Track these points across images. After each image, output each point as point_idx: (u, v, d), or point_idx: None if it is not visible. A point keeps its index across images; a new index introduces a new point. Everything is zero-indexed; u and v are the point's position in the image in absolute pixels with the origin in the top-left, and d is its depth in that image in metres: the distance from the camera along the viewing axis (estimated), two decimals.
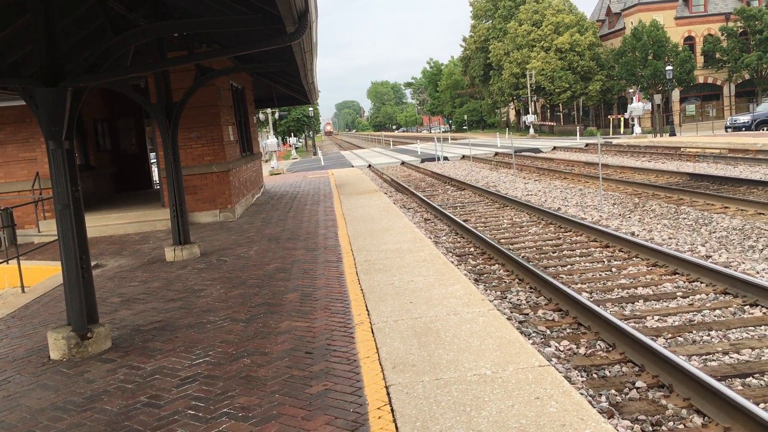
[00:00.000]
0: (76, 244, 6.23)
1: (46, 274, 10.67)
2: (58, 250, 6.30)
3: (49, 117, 6.04)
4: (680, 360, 5.51)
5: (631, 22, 57.96)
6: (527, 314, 7.84)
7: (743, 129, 39.90)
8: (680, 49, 54.32)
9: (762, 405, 4.98)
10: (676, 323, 7.14)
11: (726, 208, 13.76)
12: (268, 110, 44.19)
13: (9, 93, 10.58)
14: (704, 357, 6.14)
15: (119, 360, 5.88)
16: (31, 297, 9.05)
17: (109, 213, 15.16)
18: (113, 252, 12.14)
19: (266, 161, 39.78)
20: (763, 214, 12.67)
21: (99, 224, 14.41)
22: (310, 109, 68.62)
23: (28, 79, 6.15)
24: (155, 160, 18.82)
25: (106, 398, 4.98)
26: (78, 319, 6.18)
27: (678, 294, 8.08)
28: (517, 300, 8.49)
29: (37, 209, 14.73)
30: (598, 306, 7.45)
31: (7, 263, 10.51)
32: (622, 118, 52.98)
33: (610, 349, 6.51)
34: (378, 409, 4.28)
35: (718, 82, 58.64)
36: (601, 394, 5.49)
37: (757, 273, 8.73)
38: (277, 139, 48.94)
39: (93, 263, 9.48)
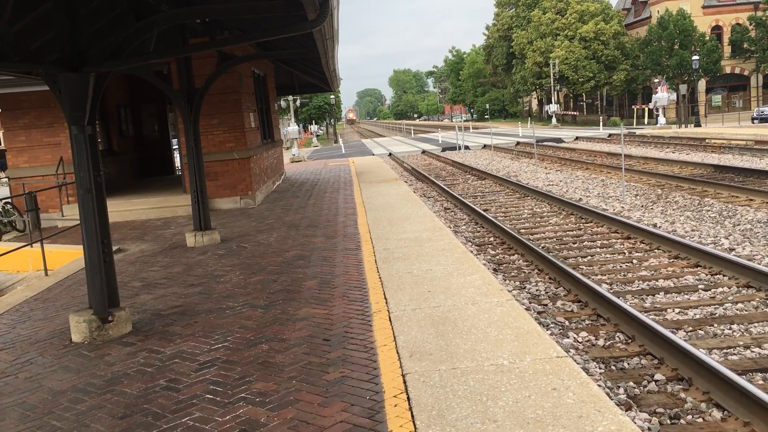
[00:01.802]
0: (98, 229, 6.29)
1: (69, 257, 10.81)
2: (80, 234, 6.37)
3: (72, 102, 6.09)
4: (700, 353, 5.45)
5: (658, 11, 57.08)
6: (546, 305, 7.79)
7: None
8: (707, 38, 53.43)
9: None
10: (697, 316, 7.06)
11: (751, 200, 13.55)
12: (290, 97, 44.20)
13: (33, 78, 10.68)
14: (725, 351, 6.07)
15: (139, 343, 5.95)
16: (54, 280, 9.17)
17: (131, 198, 15.31)
18: (135, 237, 12.26)
19: (287, 149, 39.91)
20: None
21: (121, 209, 14.56)
22: (332, 96, 68.60)
23: (52, 65, 6.20)
24: (177, 146, 18.95)
25: (125, 381, 5.04)
26: (99, 302, 6.25)
27: (700, 287, 7.99)
28: (536, 290, 8.45)
29: (60, 193, 14.91)
30: (618, 298, 7.39)
31: (31, 246, 10.66)
32: (646, 109, 52.33)
33: (629, 341, 6.46)
34: (394, 397, 4.28)
35: (746, 73, 57.63)
36: (619, 387, 5.45)
37: None
38: (299, 126, 49.00)
39: (115, 248, 9.60)
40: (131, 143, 20.20)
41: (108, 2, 7.60)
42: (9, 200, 15.17)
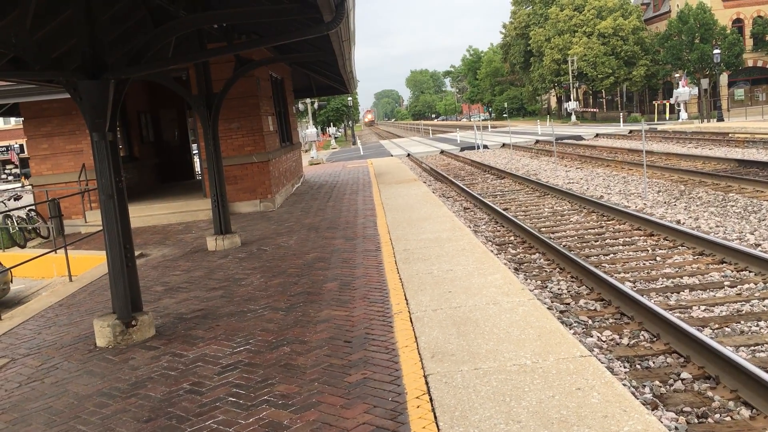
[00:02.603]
0: (120, 234, 6.35)
1: (92, 263, 10.93)
2: (103, 239, 6.43)
3: (93, 109, 6.16)
4: (727, 351, 5.37)
5: (677, 5, 56.43)
6: (568, 304, 7.73)
7: None
8: (728, 31, 52.70)
9: None
10: (724, 313, 6.96)
11: None
12: (308, 100, 44.39)
13: (55, 86, 10.82)
14: (752, 348, 5.97)
15: (162, 347, 5.99)
16: (78, 286, 9.28)
17: (153, 203, 15.45)
18: (157, 241, 12.37)
19: (306, 151, 40.02)
20: None
21: (143, 214, 14.70)
22: (349, 98, 68.70)
23: (72, 72, 6.27)
24: (197, 151, 19.08)
25: (149, 385, 5.08)
26: (123, 307, 6.31)
27: (725, 283, 7.87)
28: (558, 289, 8.38)
29: (83, 200, 15.09)
30: (642, 296, 7.30)
31: (56, 253, 10.79)
32: (667, 104, 51.76)
33: (654, 339, 6.38)
34: (417, 398, 4.26)
35: None
36: (644, 386, 5.38)
37: None
38: (317, 129, 49.16)
39: (137, 253, 9.67)
40: (152, 149, 20.39)
41: (127, 9, 7.67)
42: (33, 207, 15.39)
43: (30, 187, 16.49)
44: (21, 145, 52.76)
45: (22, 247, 14.16)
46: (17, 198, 18.90)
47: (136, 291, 6.57)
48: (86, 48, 6.16)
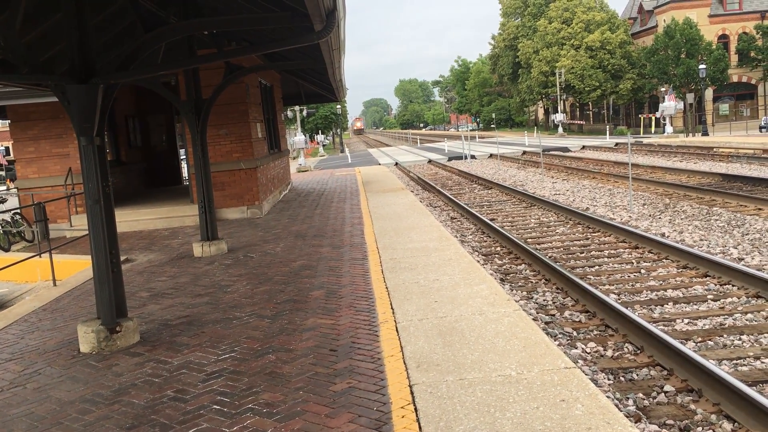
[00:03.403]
0: (106, 239, 6.32)
1: (77, 267, 10.85)
2: (89, 244, 6.39)
3: (81, 113, 6.13)
4: (710, 364, 5.41)
5: (664, 20, 57.05)
6: (553, 315, 7.77)
7: None
8: (714, 47, 53.28)
9: None
10: (707, 327, 7.02)
11: (760, 209, 13.48)
12: (296, 107, 44.36)
13: (42, 90, 10.77)
14: (735, 361, 6.03)
15: (147, 354, 5.95)
16: (63, 290, 9.20)
17: (140, 208, 15.36)
18: (143, 247, 12.30)
19: (294, 158, 40.00)
20: None
21: (129, 219, 14.61)
22: (338, 106, 68.76)
23: (61, 76, 6.25)
24: (185, 157, 19.02)
25: (133, 392, 5.04)
26: (107, 313, 6.27)
27: (709, 297, 7.95)
28: (544, 301, 8.42)
29: (69, 204, 14.98)
30: (627, 308, 7.35)
31: (40, 257, 10.70)
32: (653, 118, 52.23)
33: (638, 352, 6.43)
34: (402, 408, 4.27)
35: (753, 81, 57.46)
36: (628, 398, 5.42)
37: None
38: (305, 136, 49.11)
39: (123, 258, 9.62)
40: (139, 153, 20.30)
41: (117, 14, 7.66)
42: (18, 211, 15.26)
43: (15, 190, 16.34)
44: (7, 148, 52.35)
45: (6, 250, 14.04)
46: (2, 201, 18.74)
47: (121, 296, 6.53)
48: (75, 52, 6.15)
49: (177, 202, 16.01)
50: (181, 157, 23.11)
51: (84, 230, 10.43)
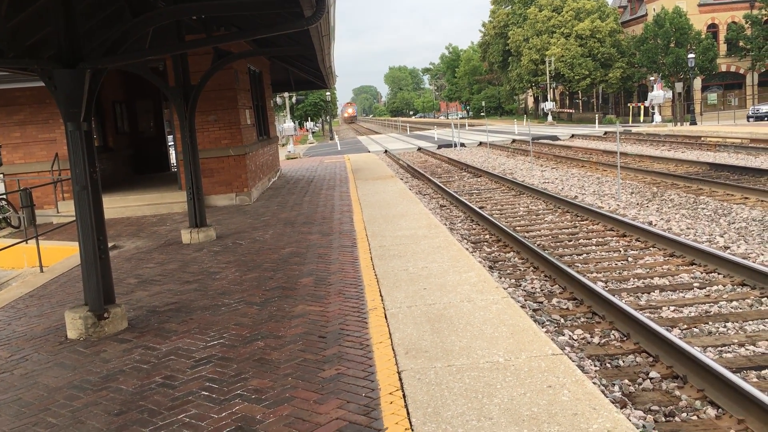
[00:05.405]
0: (93, 225, 6.28)
1: (64, 254, 10.80)
2: (76, 230, 6.36)
3: (68, 98, 6.08)
4: (695, 351, 5.48)
5: (654, 9, 57.14)
6: (541, 302, 7.81)
7: (765, 119, 39.35)
8: (703, 36, 53.49)
9: None
10: (692, 314, 7.09)
11: (746, 198, 13.59)
12: (286, 94, 44.17)
13: (29, 74, 10.65)
14: (720, 348, 6.10)
15: (135, 340, 5.94)
16: (50, 277, 9.16)
17: (127, 195, 15.28)
18: (130, 233, 12.24)
19: (283, 145, 39.86)
20: None
21: (117, 206, 14.53)
22: (328, 93, 68.51)
23: (47, 61, 6.18)
24: (173, 143, 18.91)
25: (121, 378, 5.04)
26: (95, 299, 6.24)
27: (695, 285, 8.02)
28: (532, 288, 8.47)
29: (56, 190, 14.88)
30: (613, 295, 7.41)
31: (27, 243, 10.64)
32: (642, 106, 52.42)
33: (625, 339, 6.48)
34: (390, 394, 4.29)
35: (741, 71, 57.73)
36: (614, 384, 5.47)
37: None
38: (294, 123, 48.93)
39: (110, 244, 9.57)
40: (127, 140, 20.15)
41: None
42: (4, 196, 15.14)
43: (1, 176, 16.21)
44: None
45: None
46: None
47: (108, 283, 6.50)
48: (62, 37, 6.08)
49: (165, 188, 15.93)
50: (170, 144, 22.97)
51: (71, 216, 10.37)
